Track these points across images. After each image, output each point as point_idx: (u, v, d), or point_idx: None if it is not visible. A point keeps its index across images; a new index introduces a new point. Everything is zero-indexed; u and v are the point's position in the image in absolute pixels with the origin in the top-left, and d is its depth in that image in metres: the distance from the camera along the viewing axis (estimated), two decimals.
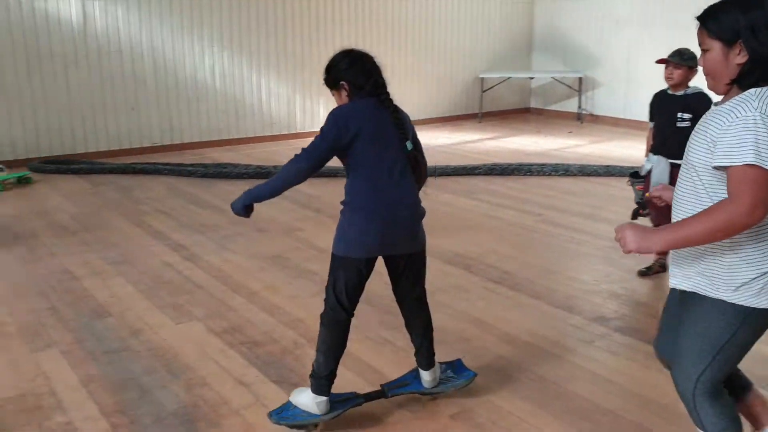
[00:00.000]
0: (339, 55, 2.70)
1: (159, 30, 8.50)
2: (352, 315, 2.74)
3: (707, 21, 1.95)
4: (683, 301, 2.10)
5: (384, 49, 10.31)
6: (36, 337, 3.62)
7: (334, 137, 2.55)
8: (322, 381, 2.71)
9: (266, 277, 4.45)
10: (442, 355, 3.37)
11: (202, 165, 7.69)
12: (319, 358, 2.72)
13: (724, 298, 1.97)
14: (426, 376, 2.91)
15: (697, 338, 2.03)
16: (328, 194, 6.64)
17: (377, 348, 3.46)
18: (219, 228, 5.55)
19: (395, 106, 2.69)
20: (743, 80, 1.90)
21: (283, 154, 8.67)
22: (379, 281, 4.35)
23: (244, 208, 2.68)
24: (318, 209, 6.13)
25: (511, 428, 2.78)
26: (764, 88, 1.88)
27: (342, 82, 2.65)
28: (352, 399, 2.84)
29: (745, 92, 1.89)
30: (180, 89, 8.79)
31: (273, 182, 2.65)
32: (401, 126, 2.66)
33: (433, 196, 6.45)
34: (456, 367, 3.06)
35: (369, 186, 2.60)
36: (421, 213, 2.75)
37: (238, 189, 6.73)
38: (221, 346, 3.50)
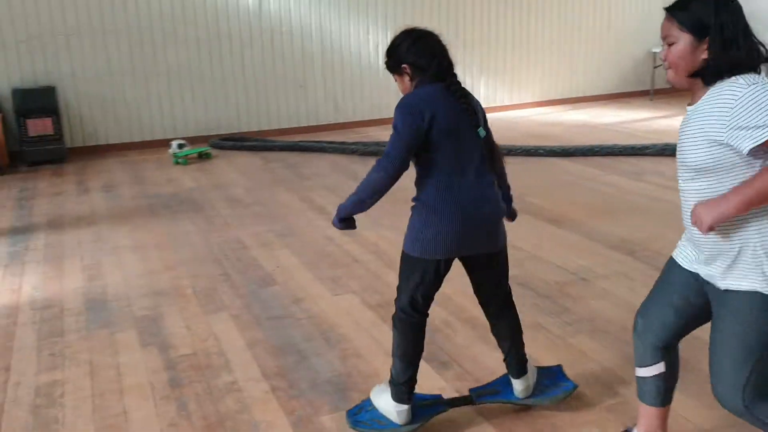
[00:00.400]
0: (400, 35, 2.46)
1: (327, 10, 8.79)
2: (427, 315, 2.55)
3: (677, 12, 1.89)
4: (718, 300, 1.98)
5: (549, 23, 9.95)
6: (210, 301, 3.91)
7: (413, 131, 2.31)
8: (401, 388, 2.52)
9: None
10: (603, 346, 3.23)
11: (363, 143, 7.89)
12: (396, 364, 2.54)
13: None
14: (517, 385, 2.66)
15: (738, 339, 1.93)
16: None
17: (530, 333, 3.36)
18: (376, 204, 5.65)
19: (464, 91, 2.42)
20: (707, 75, 1.88)
21: None
22: (537, 263, 4.26)
23: (341, 222, 2.51)
24: None
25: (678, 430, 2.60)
26: (735, 77, 1.83)
27: (404, 65, 2.42)
28: (435, 406, 2.64)
29: (724, 81, 1.85)
30: (345, 68, 9.05)
31: (360, 194, 2.42)
32: (473, 112, 2.40)
33: (596, 176, 6.16)
34: (555, 374, 2.79)
35: (445, 182, 2.36)
36: (503, 209, 2.51)
37: None
38: (375, 319, 3.59)
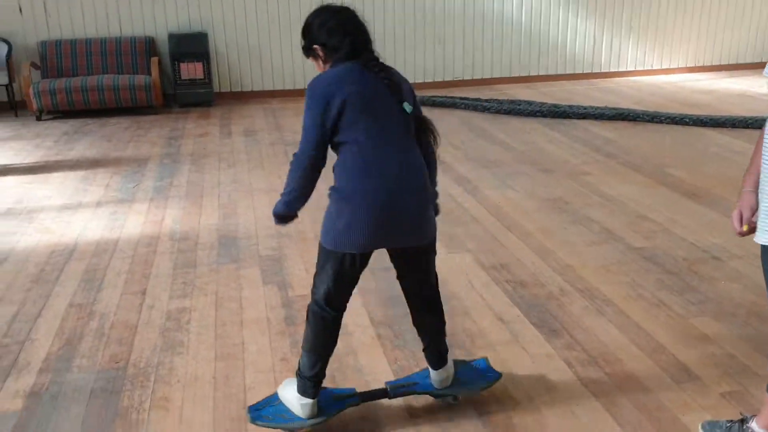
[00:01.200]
0: (312, 14, 2.26)
1: None
2: (342, 312, 2.35)
3: None
4: None
5: None
6: None
7: (321, 113, 2.11)
8: (307, 382, 2.36)
9: (542, 219, 4.38)
10: (728, 330, 3.04)
11: (497, 101, 7.72)
12: (303, 357, 2.37)
13: None
14: (435, 376, 2.50)
15: None
16: (624, 139, 6.26)
17: (651, 309, 3.23)
18: (504, 164, 5.57)
19: (383, 66, 2.18)
20: None
21: (582, 94, 8.32)
22: (668, 238, 4.04)
23: (278, 219, 2.33)
24: (610, 154, 5.80)
25: None
26: None
27: (315, 47, 2.22)
28: (346, 399, 2.47)
29: None
30: (486, 25, 8.85)
31: (286, 196, 2.24)
32: (396, 89, 2.16)
33: (746, 150, 5.68)
34: (477, 366, 2.64)
35: (362, 168, 2.13)
36: (431, 198, 2.27)
37: (528, 126, 6.76)
38: (487, 280, 3.57)
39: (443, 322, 2.51)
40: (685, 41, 9.47)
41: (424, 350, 2.51)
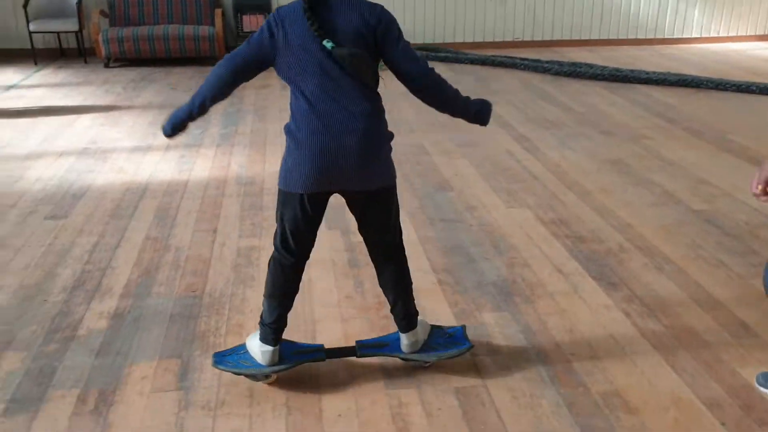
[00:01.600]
0: None
1: None
2: (303, 260, 2.35)
3: None
4: None
5: None
6: None
7: (256, 42, 2.12)
8: (267, 329, 2.37)
9: (602, 179, 4.39)
10: None
11: (558, 62, 7.64)
12: (264, 303, 2.38)
13: None
14: (404, 339, 2.47)
15: None
16: (687, 105, 6.16)
17: (710, 270, 3.25)
18: (563, 126, 5.56)
19: (312, 4, 2.06)
20: None
21: (644, 59, 8.16)
22: (730, 202, 4.02)
23: (169, 127, 2.30)
24: (672, 119, 5.74)
25: None
26: None
27: None
28: (311, 353, 2.48)
29: None
30: None
31: (195, 94, 2.24)
32: (319, 28, 2.05)
33: None
34: (452, 335, 2.58)
35: (304, 111, 2.12)
36: (378, 142, 2.19)
37: (589, 89, 6.70)
38: (546, 234, 3.62)
39: (408, 281, 2.46)
40: (756, 7, 9.16)
41: (391, 311, 2.48)
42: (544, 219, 3.82)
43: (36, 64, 7.74)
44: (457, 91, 2.32)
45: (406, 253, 2.46)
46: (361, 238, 3.55)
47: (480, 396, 2.37)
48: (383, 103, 2.24)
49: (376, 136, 2.19)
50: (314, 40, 2.07)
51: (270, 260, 2.37)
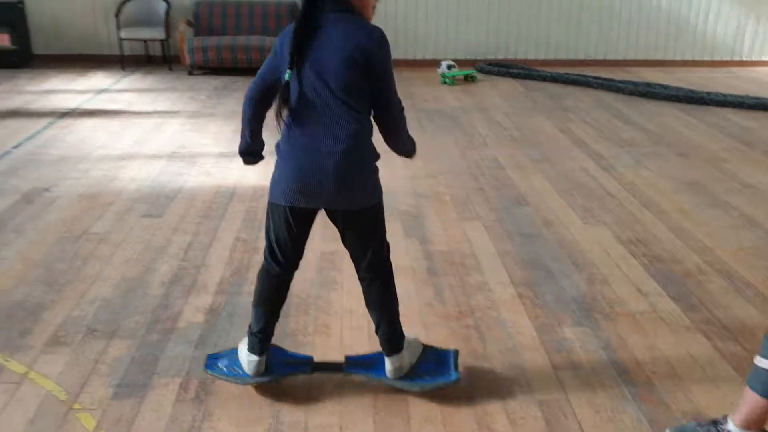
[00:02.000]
0: None
1: None
2: (289, 271, 2.40)
3: None
4: None
5: None
6: (465, 209, 4.24)
7: (268, 62, 2.24)
8: (253, 338, 2.40)
9: (679, 200, 4.39)
10: None
11: (632, 82, 7.61)
12: (252, 312, 2.43)
13: None
14: (388, 364, 2.42)
15: None
16: (765, 129, 6.07)
17: None
18: (638, 145, 5.56)
19: (310, 20, 2.10)
20: None
21: (721, 81, 8.05)
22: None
23: (242, 156, 2.47)
24: (749, 143, 5.66)
25: None
26: None
27: None
28: (299, 366, 2.49)
29: None
30: (622, 4, 8.68)
31: (241, 129, 2.40)
32: (295, 48, 2.09)
33: None
34: (443, 360, 2.50)
35: (291, 127, 2.19)
36: (360, 163, 2.21)
37: (664, 110, 6.66)
38: (624, 253, 3.65)
39: (392, 301, 2.43)
40: None
41: (375, 331, 2.45)
42: (621, 237, 3.85)
43: (123, 69, 8.14)
44: (408, 138, 2.40)
45: (393, 272, 2.46)
46: (439, 248, 3.66)
47: (562, 408, 2.43)
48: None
49: (358, 158, 2.21)
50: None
51: (259, 269, 2.43)
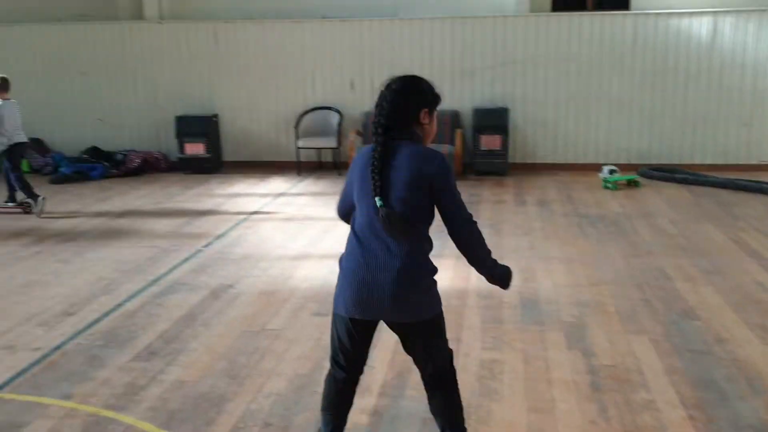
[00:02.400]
0: (418, 80, 2.56)
1: None
2: (353, 378, 2.56)
3: None
4: None
5: None
6: (630, 322, 4.13)
7: (345, 185, 2.50)
8: None
9: None
10: None
11: None
12: (320, 415, 2.59)
13: None
14: None
15: None
16: None
17: None
18: None
19: (384, 149, 2.33)
20: None
21: None
22: None
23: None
24: None
25: None
26: None
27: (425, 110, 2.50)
28: None
29: None
30: None
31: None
32: (378, 175, 2.31)
33: None
34: None
35: (354, 240, 2.40)
36: (415, 279, 2.37)
37: None
38: None
39: (456, 407, 2.56)
40: None
41: None
42: None
43: (299, 174, 8.89)
44: (488, 250, 2.53)
45: (456, 379, 2.62)
46: (604, 362, 3.60)
47: None
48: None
49: (412, 274, 2.38)
50: (370, 191, 2.36)
51: (326, 375, 2.63)
